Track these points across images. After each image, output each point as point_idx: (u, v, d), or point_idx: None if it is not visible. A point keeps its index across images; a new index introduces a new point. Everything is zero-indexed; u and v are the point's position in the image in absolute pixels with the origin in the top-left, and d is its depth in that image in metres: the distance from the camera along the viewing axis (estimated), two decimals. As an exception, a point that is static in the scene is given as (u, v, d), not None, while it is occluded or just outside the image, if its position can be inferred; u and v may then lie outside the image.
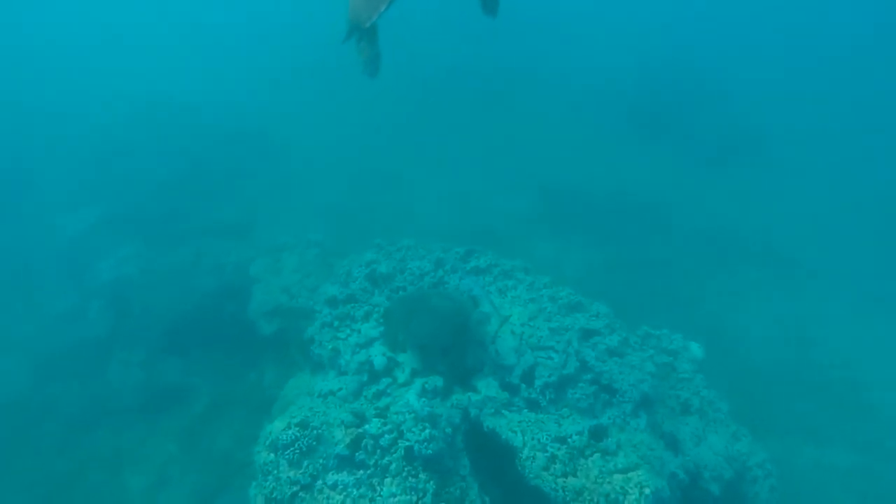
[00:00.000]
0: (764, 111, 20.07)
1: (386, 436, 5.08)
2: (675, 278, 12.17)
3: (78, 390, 9.18)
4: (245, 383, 9.37)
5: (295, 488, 4.94)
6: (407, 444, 5.01)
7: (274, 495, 4.91)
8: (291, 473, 4.98)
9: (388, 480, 4.90)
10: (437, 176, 16.26)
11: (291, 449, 5.05)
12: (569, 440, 5.04)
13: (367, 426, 5.20)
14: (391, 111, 18.69)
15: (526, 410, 5.43)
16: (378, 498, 4.82)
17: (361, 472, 5.02)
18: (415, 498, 4.81)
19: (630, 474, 4.81)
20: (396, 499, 4.79)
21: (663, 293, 11.47)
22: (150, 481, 8.08)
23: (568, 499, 4.76)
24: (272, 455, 5.10)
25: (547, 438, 5.05)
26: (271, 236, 10.69)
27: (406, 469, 4.95)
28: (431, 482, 4.92)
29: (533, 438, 5.08)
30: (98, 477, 8.33)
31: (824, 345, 11.28)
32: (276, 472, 5.01)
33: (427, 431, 5.05)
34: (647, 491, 4.63)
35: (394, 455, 5.00)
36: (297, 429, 5.17)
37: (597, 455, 4.98)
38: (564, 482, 4.82)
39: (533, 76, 22.36)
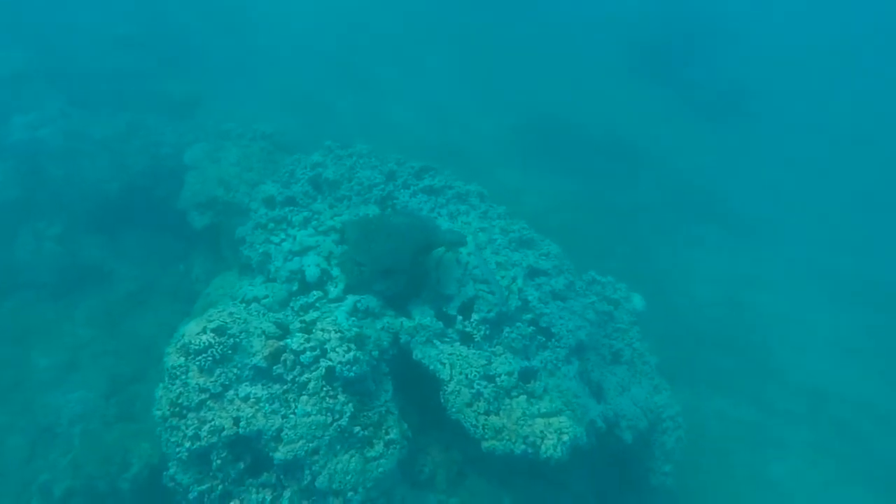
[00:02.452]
0: (773, 72, 19.43)
1: (308, 352, 4.79)
2: (635, 226, 12.12)
3: (-18, 257, 8.43)
4: (173, 274, 8.88)
5: (203, 396, 4.64)
6: (329, 363, 4.75)
7: (180, 401, 4.61)
8: (201, 381, 4.67)
9: (304, 398, 4.67)
10: (414, 84, 15.25)
11: (204, 355, 4.70)
12: (497, 379, 4.90)
13: (288, 340, 4.89)
14: (380, 7, 17.09)
15: (458, 343, 5.23)
16: (291, 415, 4.61)
17: (277, 386, 4.76)
18: (329, 419, 4.63)
19: (552, 419, 4.75)
20: (310, 418, 4.59)
21: (620, 239, 11.43)
22: (59, 361, 7.64)
23: (487, 436, 4.70)
24: (182, 359, 4.74)
25: (475, 375, 4.89)
26: (216, 120, 9.79)
27: (325, 389, 4.72)
28: (350, 404, 4.73)
29: (461, 373, 4.92)
30: (1, 351, 7.83)
31: (753, 308, 11.71)
32: (184, 377, 4.68)
33: (352, 353, 4.79)
34: (565, 438, 4.59)
35: (313, 373, 4.75)
36: (212, 335, 4.80)
37: (523, 397, 4.88)
38: (486, 420, 4.73)
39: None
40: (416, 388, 5.45)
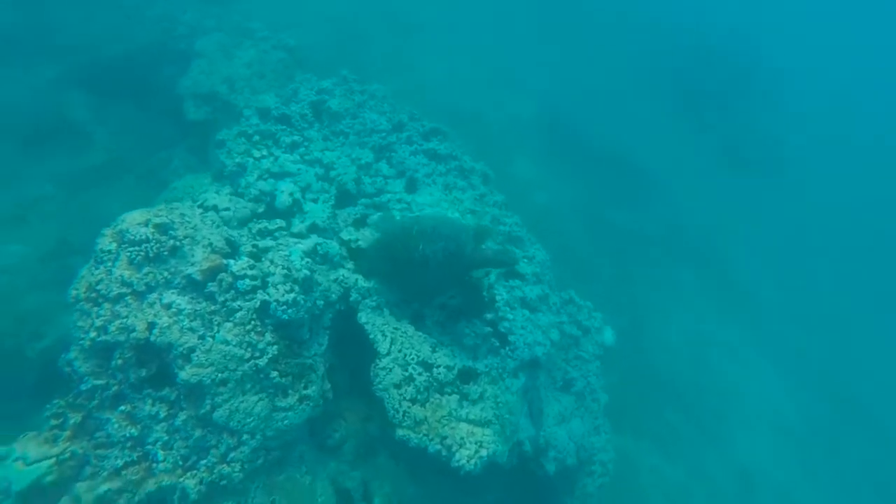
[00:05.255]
0: (809, 132, 18.78)
1: (247, 280, 4.41)
2: (627, 251, 11.75)
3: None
4: (153, 158, 8.40)
5: (124, 290, 4.26)
6: (265, 298, 4.38)
7: (98, 287, 4.22)
8: (126, 273, 4.28)
9: (227, 325, 4.31)
10: (459, 48, 14.63)
11: (137, 248, 4.31)
12: (435, 370, 4.56)
13: (230, 261, 4.50)
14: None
15: (407, 321, 4.86)
16: (209, 338, 4.24)
17: (205, 304, 4.38)
18: (248, 355, 4.27)
19: (477, 429, 4.43)
20: (227, 347, 4.23)
21: (608, 260, 11.06)
22: (6, 211, 7.22)
23: (405, 424, 4.37)
24: (113, 244, 4.35)
25: (414, 358, 4.54)
26: (245, 17, 9.21)
27: (253, 323, 4.35)
28: (274, 347, 4.38)
29: (400, 351, 4.56)
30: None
31: (715, 370, 11.49)
32: (110, 264, 4.29)
33: (292, 295, 4.42)
34: (483, 452, 4.27)
35: (247, 303, 4.37)
36: (153, 229, 4.40)
37: (455, 396, 4.55)
38: (409, 407, 4.39)
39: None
40: (356, 351, 5.11)
